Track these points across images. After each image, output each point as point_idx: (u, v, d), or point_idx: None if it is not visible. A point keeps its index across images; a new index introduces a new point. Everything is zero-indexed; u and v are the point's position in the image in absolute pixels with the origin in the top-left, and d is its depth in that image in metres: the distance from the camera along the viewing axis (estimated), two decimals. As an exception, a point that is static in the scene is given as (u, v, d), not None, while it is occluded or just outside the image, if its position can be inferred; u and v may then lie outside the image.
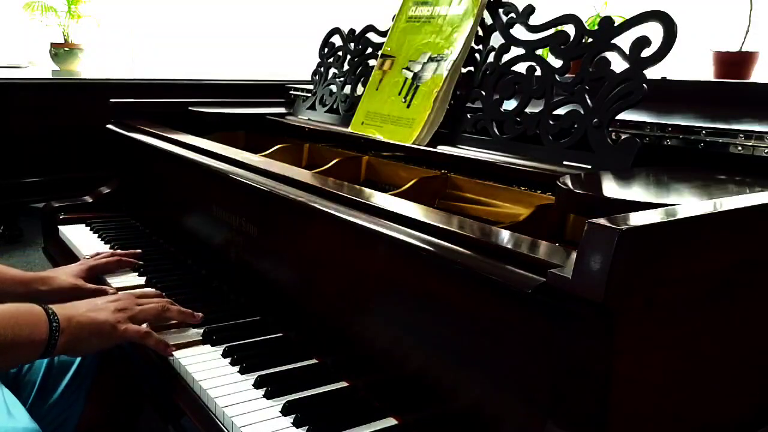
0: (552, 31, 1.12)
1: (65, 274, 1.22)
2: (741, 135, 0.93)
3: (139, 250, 1.36)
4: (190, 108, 1.74)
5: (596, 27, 1.05)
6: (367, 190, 0.97)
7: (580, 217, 0.92)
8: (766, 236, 0.71)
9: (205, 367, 0.93)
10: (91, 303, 1.01)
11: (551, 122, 1.07)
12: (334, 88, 1.59)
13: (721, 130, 0.95)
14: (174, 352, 0.96)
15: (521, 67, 1.16)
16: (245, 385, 0.88)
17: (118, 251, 1.34)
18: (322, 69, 1.66)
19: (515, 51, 1.18)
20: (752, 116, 1.10)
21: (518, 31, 1.19)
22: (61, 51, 2.79)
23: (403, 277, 0.81)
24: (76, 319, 0.94)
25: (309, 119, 1.61)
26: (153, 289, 1.19)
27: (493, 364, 0.70)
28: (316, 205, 0.93)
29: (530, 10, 1.17)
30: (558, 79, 1.09)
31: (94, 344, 0.98)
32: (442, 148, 1.21)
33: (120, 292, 1.10)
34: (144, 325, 1.01)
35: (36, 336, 0.90)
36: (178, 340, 1.01)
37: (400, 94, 1.33)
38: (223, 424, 0.82)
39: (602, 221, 0.57)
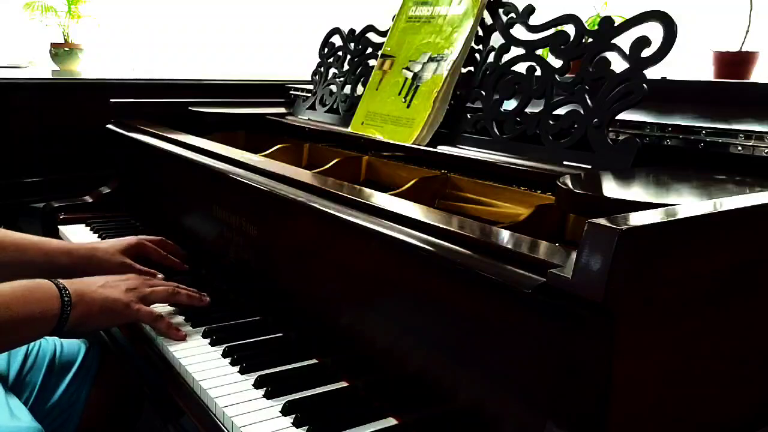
0: (552, 31, 1.12)
1: (113, 249, 1.20)
2: (741, 135, 0.93)
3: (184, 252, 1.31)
4: (190, 108, 1.74)
5: (596, 27, 1.05)
6: (367, 190, 0.97)
7: (580, 217, 0.92)
8: (766, 236, 0.71)
9: (205, 366, 0.93)
10: (101, 280, 1.02)
11: (551, 122, 1.07)
12: (334, 88, 1.59)
13: (721, 130, 0.95)
14: (174, 353, 0.96)
15: (521, 67, 1.16)
16: (245, 385, 0.88)
17: (169, 242, 1.30)
18: (322, 69, 1.66)
19: (515, 51, 1.18)
20: (752, 116, 1.10)
21: (518, 31, 1.19)
22: (61, 51, 2.79)
23: (402, 277, 0.81)
24: (88, 295, 0.96)
25: (309, 119, 1.61)
26: (156, 272, 1.18)
27: (492, 364, 0.70)
28: (316, 205, 0.93)
29: (530, 10, 1.17)
30: (558, 79, 1.09)
31: (105, 321, 1.00)
32: (442, 148, 1.21)
33: (130, 274, 1.09)
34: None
35: (49, 311, 0.91)
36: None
37: (400, 94, 1.33)
38: (223, 424, 0.82)
39: (602, 221, 0.57)
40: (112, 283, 1.01)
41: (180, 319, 1.07)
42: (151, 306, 1.04)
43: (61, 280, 0.96)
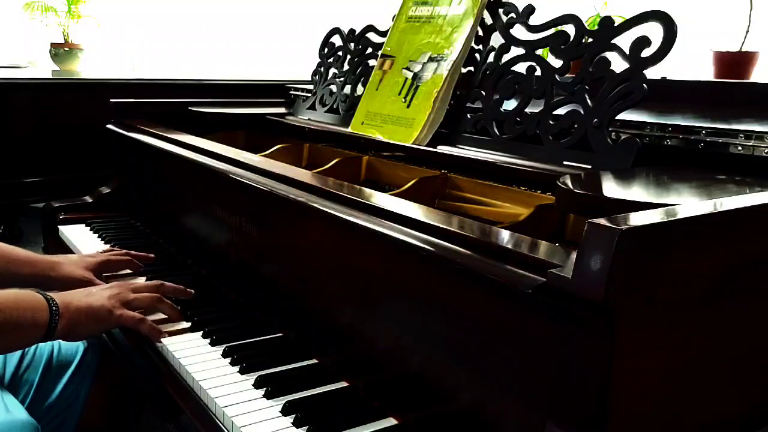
0: (552, 31, 1.12)
1: (76, 265, 1.22)
2: (741, 135, 0.93)
3: (152, 255, 1.33)
4: (190, 108, 1.74)
5: (596, 27, 1.05)
6: (367, 190, 0.97)
7: (580, 217, 0.92)
8: (766, 236, 0.71)
9: (206, 366, 0.93)
10: (86, 290, 1.05)
11: (551, 122, 1.07)
12: (334, 88, 1.59)
13: (721, 130, 0.95)
14: (174, 353, 0.97)
15: (521, 67, 1.16)
16: (245, 385, 0.88)
17: (132, 252, 1.31)
18: (322, 69, 1.66)
19: (515, 51, 1.18)
20: (752, 116, 1.10)
21: (518, 31, 1.19)
22: (61, 51, 2.79)
23: (402, 277, 0.81)
24: (74, 305, 0.98)
25: (309, 119, 1.61)
26: (143, 281, 1.18)
27: (493, 364, 0.70)
28: (316, 205, 0.93)
29: (530, 10, 1.17)
30: (558, 79, 1.09)
31: (91, 328, 1.01)
32: (442, 148, 1.21)
33: (113, 282, 1.11)
34: None
35: (38, 319, 0.94)
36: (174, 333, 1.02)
37: (400, 94, 1.33)
38: (223, 424, 0.82)
39: (602, 221, 0.57)
40: (95, 292, 1.04)
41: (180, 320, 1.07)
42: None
43: (47, 293, 0.98)
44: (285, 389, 0.86)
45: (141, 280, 1.21)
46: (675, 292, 0.62)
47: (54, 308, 0.95)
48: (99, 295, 1.03)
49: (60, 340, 1.17)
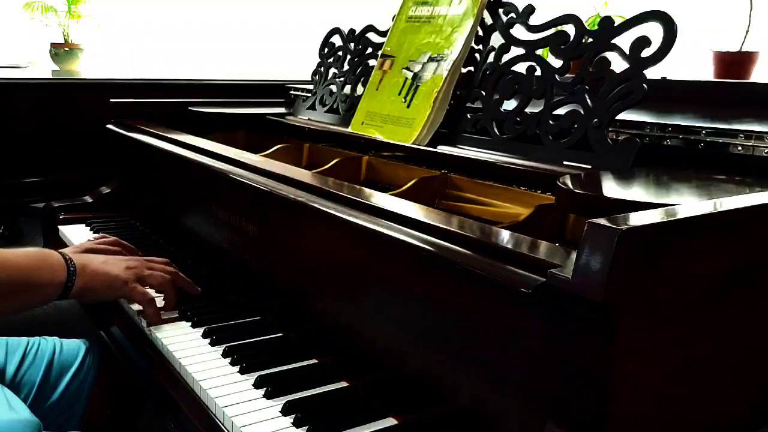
0: (552, 31, 1.12)
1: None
2: (741, 135, 0.93)
3: (134, 248, 1.32)
4: (190, 108, 1.74)
5: (596, 27, 1.05)
6: (367, 190, 0.97)
7: (580, 217, 0.92)
8: (766, 236, 0.71)
9: (205, 366, 0.93)
10: (103, 257, 1.08)
11: (551, 122, 1.07)
12: (334, 88, 1.59)
13: (721, 130, 0.95)
14: (174, 353, 0.97)
15: (521, 67, 1.16)
16: (245, 385, 0.88)
17: (124, 242, 1.30)
18: (322, 69, 1.66)
19: (515, 51, 1.18)
20: (752, 116, 1.10)
21: (518, 31, 1.19)
22: (61, 51, 2.79)
23: (402, 277, 0.81)
24: (91, 267, 1.02)
25: (309, 119, 1.61)
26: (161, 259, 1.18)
27: (492, 364, 0.70)
28: (316, 205, 0.93)
29: (530, 10, 1.17)
30: (558, 79, 1.09)
31: (103, 294, 1.05)
32: (442, 148, 1.21)
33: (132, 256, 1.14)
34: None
35: (56, 277, 0.98)
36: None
37: (400, 94, 1.33)
38: (222, 424, 0.82)
39: (602, 221, 0.57)
40: (113, 261, 1.07)
41: (180, 319, 1.07)
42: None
43: (66, 253, 1.01)
44: (285, 389, 0.86)
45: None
46: (675, 292, 0.62)
47: (72, 268, 0.98)
48: (117, 264, 1.05)
49: (62, 340, 1.18)
